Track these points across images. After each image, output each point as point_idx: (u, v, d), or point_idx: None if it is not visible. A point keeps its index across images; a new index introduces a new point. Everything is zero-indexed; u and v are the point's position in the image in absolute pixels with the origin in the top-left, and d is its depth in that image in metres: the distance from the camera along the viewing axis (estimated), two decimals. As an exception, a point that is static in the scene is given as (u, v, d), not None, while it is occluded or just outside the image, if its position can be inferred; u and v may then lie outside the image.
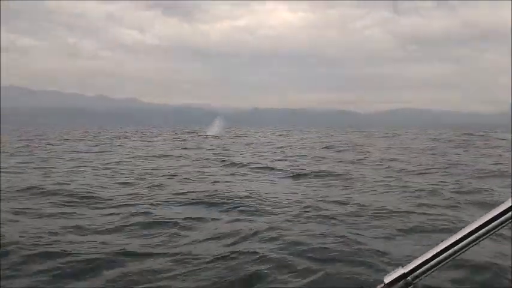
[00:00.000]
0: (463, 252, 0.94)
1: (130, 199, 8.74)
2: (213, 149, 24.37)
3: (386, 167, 14.82)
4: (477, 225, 0.91)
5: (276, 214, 7.30)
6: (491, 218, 0.91)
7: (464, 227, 0.93)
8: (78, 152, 22.32)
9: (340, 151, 23.29)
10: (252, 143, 31.83)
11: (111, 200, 8.60)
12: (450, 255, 0.93)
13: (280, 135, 50.46)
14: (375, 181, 11.29)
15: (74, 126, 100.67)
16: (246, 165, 15.40)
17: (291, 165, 15.37)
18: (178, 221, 6.76)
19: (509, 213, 0.90)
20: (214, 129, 50.39)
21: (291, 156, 19.69)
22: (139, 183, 11.00)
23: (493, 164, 15.14)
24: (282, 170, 13.98)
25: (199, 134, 48.19)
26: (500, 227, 0.92)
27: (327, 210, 7.53)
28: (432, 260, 0.93)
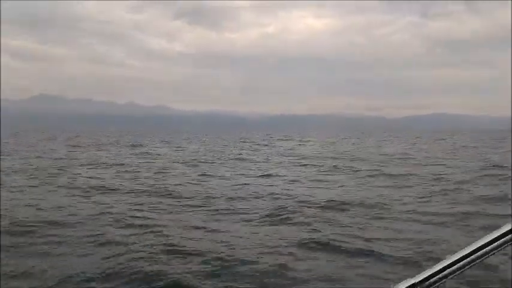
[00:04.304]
0: (471, 266, 0.95)
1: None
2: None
3: None
4: (486, 241, 0.93)
5: None
6: (501, 235, 0.92)
7: (473, 242, 0.94)
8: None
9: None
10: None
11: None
12: (459, 268, 0.93)
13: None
14: None
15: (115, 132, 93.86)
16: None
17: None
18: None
19: None
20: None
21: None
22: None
23: None
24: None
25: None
26: (506, 245, 0.93)
27: None
28: (441, 272, 0.94)
